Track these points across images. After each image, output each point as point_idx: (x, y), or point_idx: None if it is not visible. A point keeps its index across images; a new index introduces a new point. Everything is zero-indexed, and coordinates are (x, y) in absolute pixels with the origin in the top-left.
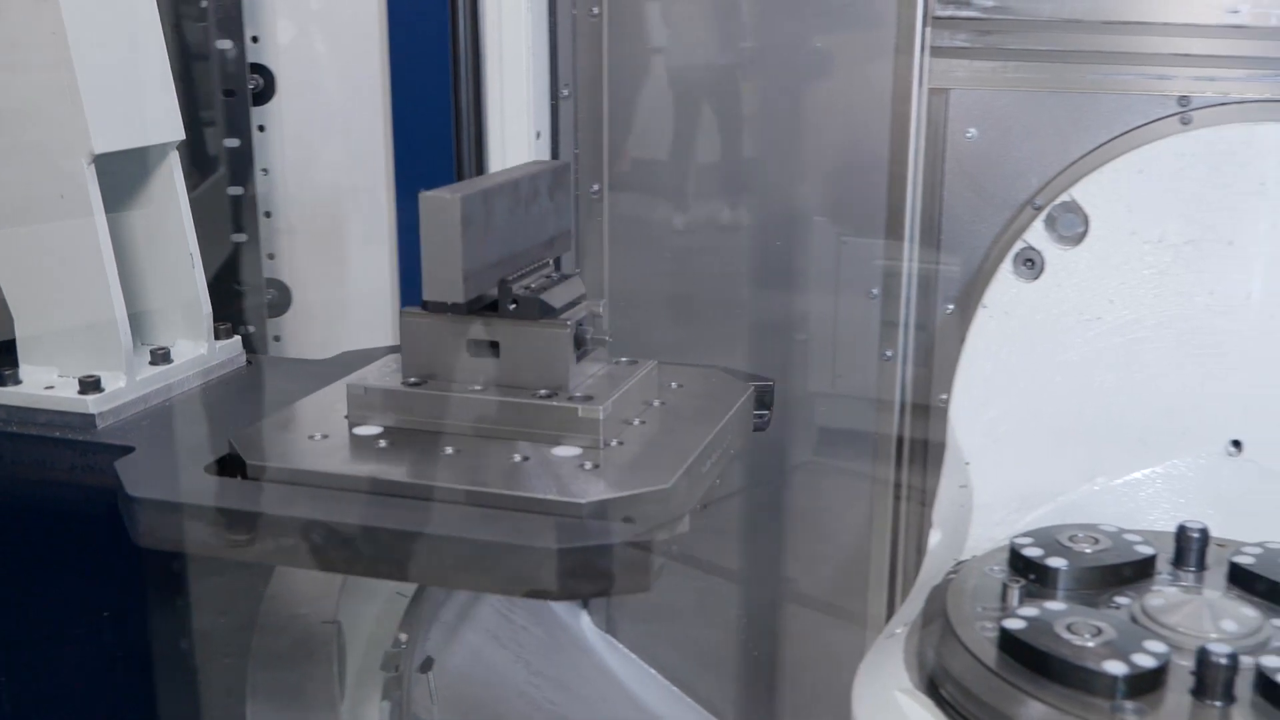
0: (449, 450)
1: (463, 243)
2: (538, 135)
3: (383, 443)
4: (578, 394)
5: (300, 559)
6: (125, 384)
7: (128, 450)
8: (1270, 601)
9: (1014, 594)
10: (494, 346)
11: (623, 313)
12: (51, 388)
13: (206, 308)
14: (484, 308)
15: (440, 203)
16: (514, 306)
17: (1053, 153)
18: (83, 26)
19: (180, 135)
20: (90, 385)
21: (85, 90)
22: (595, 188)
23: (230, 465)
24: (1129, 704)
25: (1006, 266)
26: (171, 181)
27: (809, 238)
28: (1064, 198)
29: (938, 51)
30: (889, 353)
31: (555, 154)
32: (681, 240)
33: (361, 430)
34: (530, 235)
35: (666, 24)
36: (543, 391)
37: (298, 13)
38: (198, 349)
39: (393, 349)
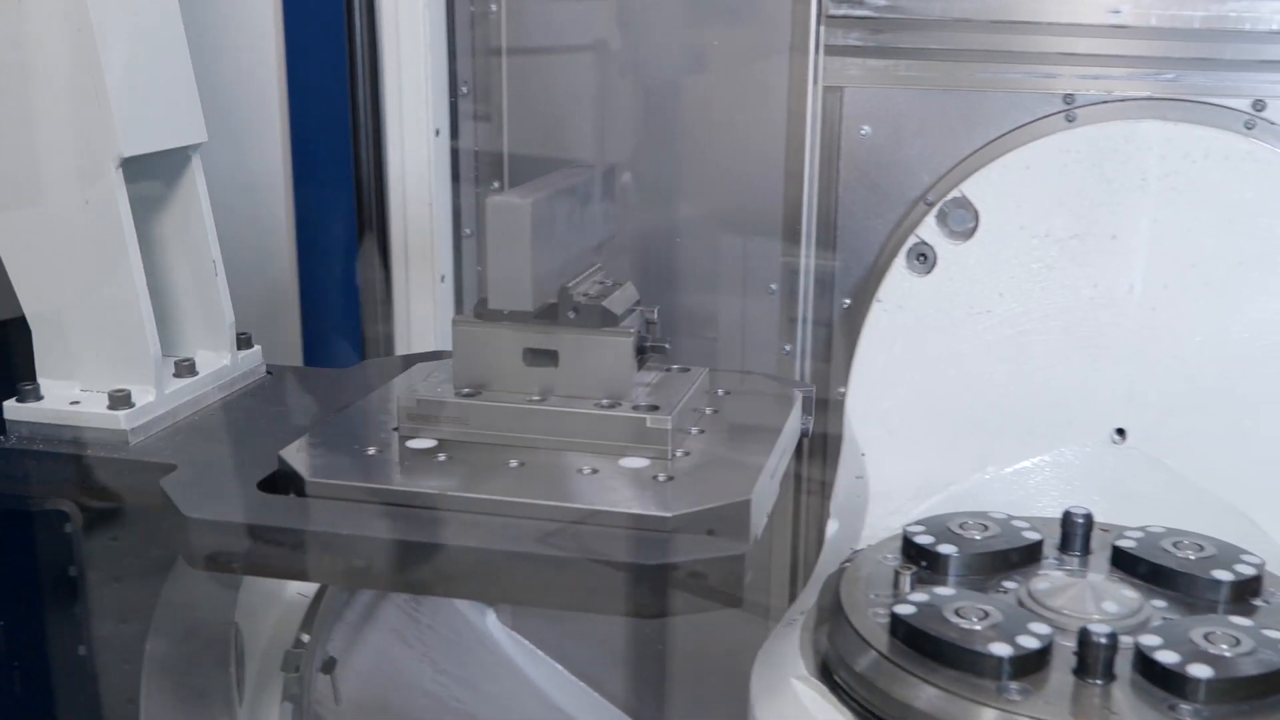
0: (513, 463)
1: (532, 249)
2: (437, 133)
3: (441, 456)
4: (641, 403)
5: (374, 580)
6: (155, 398)
7: (169, 468)
8: (1151, 583)
9: (906, 581)
10: (551, 355)
11: None
12: (77, 403)
13: (230, 317)
14: (536, 315)
15: (511, 208)
16: (574, 314)
17: (944, 149)
18: (109, 25)
19: (204, 137)
20: (120, 400)
21: (113, 91)
22: (495, 185)
23: (279, 482)
24: (1014, 684)
25: (900, 261)
26: (194, 185)
27: (708, 235)
28: (955, 194)
29: (832, 50)
30: (788, 347)
31: (455, 152)
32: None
33: (415, 444)
34: (584, 240)
35: (564, 22)
36: (604, 401)
37: (193, 9)
38: (220, 360)
39: (421, 357)
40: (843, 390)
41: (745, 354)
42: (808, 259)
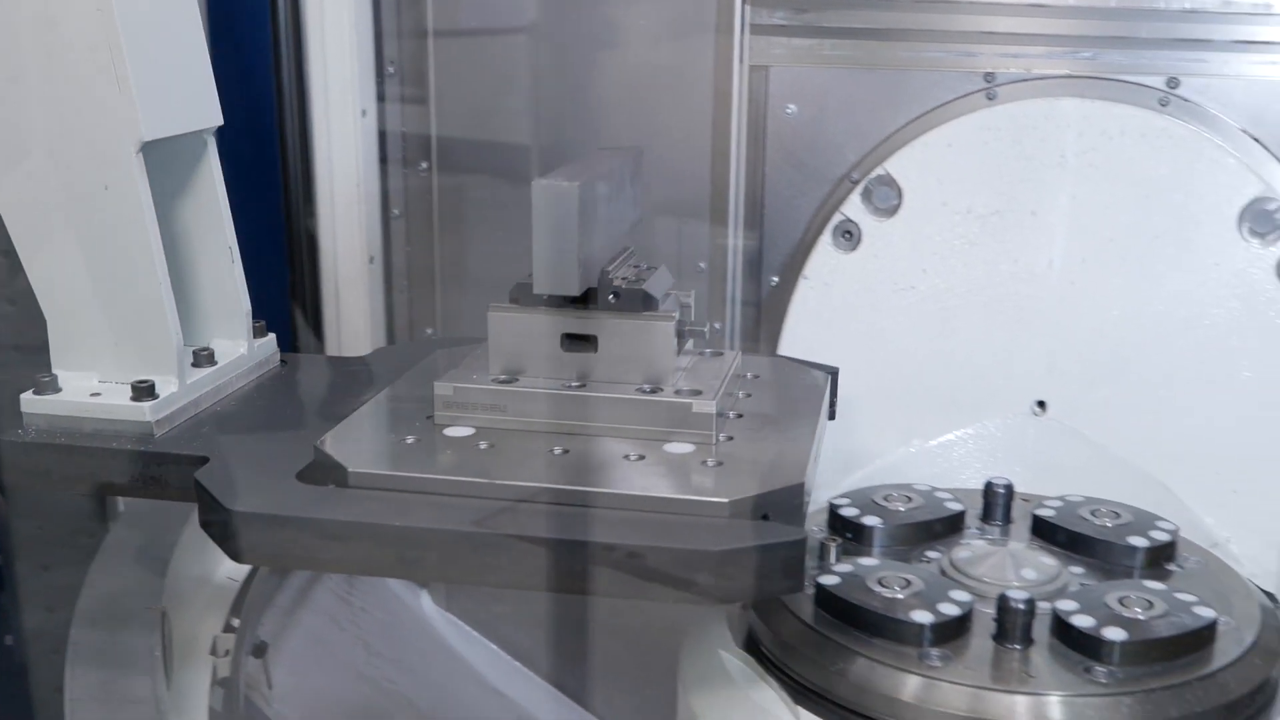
0: (556, 450)
1: (579, 233)
2: (363, 113)
3: (483, 444)
4: (683, 388)
5: (427, 571)
6: (178, 389)
7: (200, 460)
8: (1069, 550)
9: (831, 552)
10: (590, 340)
11: (455, 293)
12: (98, 395)
13: (246, 304)
14: (573, 300)
15: (558, 191)
16: (615, 299)
17: (868, 127)
18: (129, 3)
19: (219, 120)
20: (144, 391)
21: (134, 72)
22: (424, 165)
23: (315, 472)
24: (935, 650)
25: (826, 239)
26: (210, 170)
27: None
28: (878, 171)
29: (756, 29)
30: (718, 325)
31: (382, 133)
32: (510, 218)
33: (452, 432)
34: (619, 223)
35: (492, 2)
36: (645, 386)
37: None
38: (237, 348)
39: (437, 342)
40: None
41: None
42: (735, 237)
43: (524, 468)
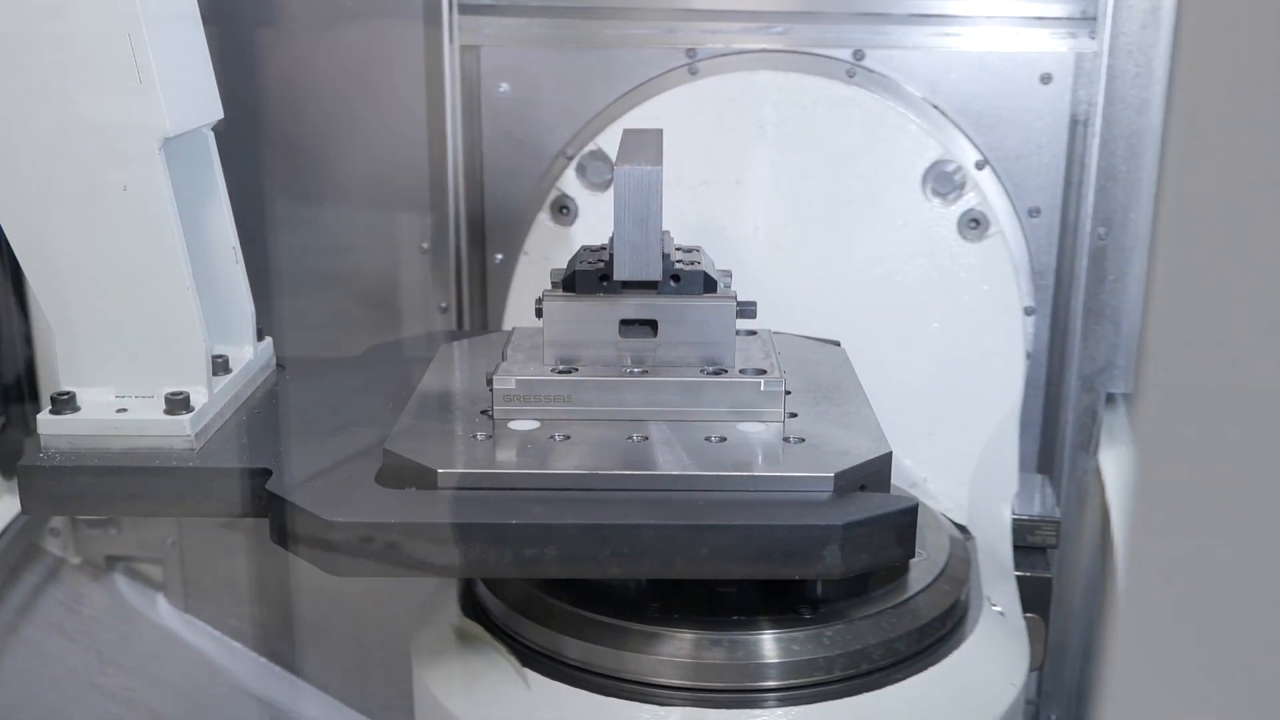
0: (634, 437)
1: (661, 218)
2: None
3: (556, 435)
4: (747, 368)
5: (549, 567)
6: (208, 399)
7: (262, 473)
8: None
9: None
10: (650, 325)
11: None
12: (124, 410)
13: (251, 307)
14: (629, 284)
15: (642, 176)
16: (675, 283)
17: (579, 104)
18: None
19: (220, 114)
20: (179, 403)
21: (156, 61)
22: None
23: (388, 476)
24: (655, 604)
25: (544, 214)
26: (211, 166)
27: (356, 197)
28: (591, 146)
29: (465, 9)
30: (444, 304)
31: None
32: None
33: (517, 425)
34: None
35: None
36: (710, 368)
37: None
38: (245, 353)
39: (442, 336)
40: None
41: (402, 314)
42: (457, 216)
43: (613, 457)
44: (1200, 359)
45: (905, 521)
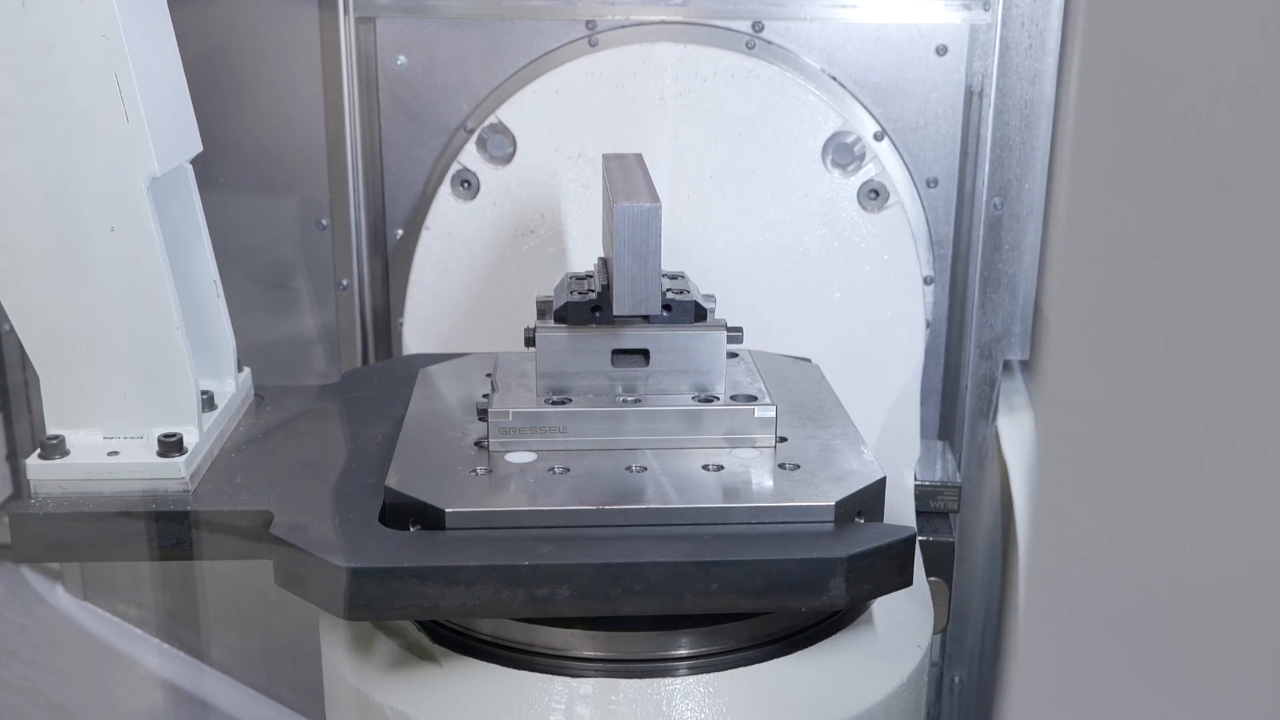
0: (633, 467)
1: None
2: None
3: (556, 468)
4: (737, 394)
5: (561, 606)
6: (199, 438)
7: (264, 516)
8: None
9: None
10: (642, 355)
11: None
12: (115, 453)
13: (232, 340)
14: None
15: (643, 214)
16: (668, 312)
17: (478, 77)
18: (134, 28)
19: (200, 147)
20: (172, 445)
21: (145, 101)
22: None
23: (390, 515)
24: None
25: (445, 189)
26: (191, 200)
27: (252, 175)
28: (491, 120)
29: None
30: (345, 282)
31: None
32: None
33: (515, 458)
34: None
35: None
36: (700, 395)
37: None
38: (227, 387)
39: (416, 360)
40: (401, 320)
41: (301, 293)
42: (356, 192)
43: (618, 490)
44: (1097, 326)
45: (905, 551)
